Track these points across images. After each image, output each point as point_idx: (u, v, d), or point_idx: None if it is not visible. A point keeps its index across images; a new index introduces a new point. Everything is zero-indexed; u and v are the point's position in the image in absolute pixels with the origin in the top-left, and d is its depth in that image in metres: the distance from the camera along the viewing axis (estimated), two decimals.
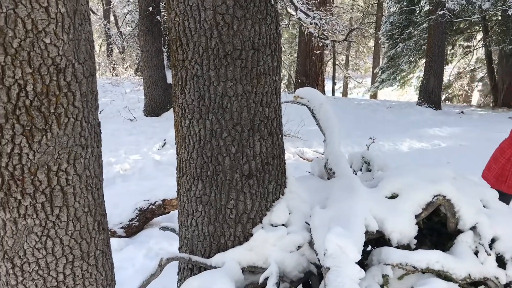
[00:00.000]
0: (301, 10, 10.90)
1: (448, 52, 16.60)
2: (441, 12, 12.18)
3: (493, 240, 2.55)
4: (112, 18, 23.25)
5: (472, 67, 19.16)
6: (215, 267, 2.38)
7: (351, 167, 3.29)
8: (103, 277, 1.94)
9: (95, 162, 1.81)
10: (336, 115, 3.24)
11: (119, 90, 13.77)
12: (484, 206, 2.69)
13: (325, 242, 2.06)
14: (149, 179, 6.29)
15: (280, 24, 2.48)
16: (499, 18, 14.97)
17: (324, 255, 2.06)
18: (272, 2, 2.32)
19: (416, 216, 2.52)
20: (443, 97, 17.05)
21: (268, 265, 2.37)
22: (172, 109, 9.94)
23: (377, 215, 2.47)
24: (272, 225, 2.48)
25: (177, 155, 2.55)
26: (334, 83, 22.39)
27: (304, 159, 7.17)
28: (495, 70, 15.67)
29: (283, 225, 2.50)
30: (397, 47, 16.44)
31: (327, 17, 11.57)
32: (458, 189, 2.56)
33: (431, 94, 13.29)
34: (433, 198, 2.53)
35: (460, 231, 2.58)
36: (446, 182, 2.55)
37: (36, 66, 1.53)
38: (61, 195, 1.69)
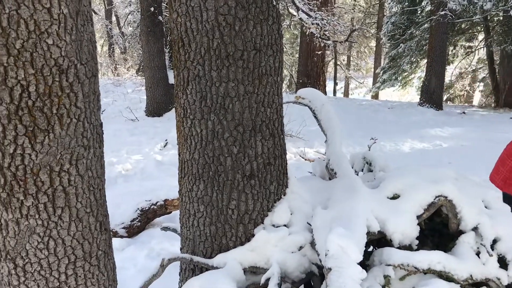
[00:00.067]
0: (302, 11, 10.90)
1: (450, 53, 16.58)
2: (442, 13, 12.17)
3: (494, 241, 2.55)
4: (114, 18, 23.26)
5: (474, 68, 19.13)
6: (216, 268, 2.38)
7: (352, 167, 3.29)
8: (105, 278, 1.95)
9: (97, 163, 1.82)
10: (337, 116, 3.24)
11: (121, 90, 13.79)
12: (485, 207, 2.69)
13: (327, 243, 2.06)
14: (151, 179, 6.30)
15: (281, 25, 2.48)
16: (501, 18, 14.95)
17: (325, 255, 2.06)
18: (274, 3, 2.32)
19: (418, 217, 2.52)
20: (444, 98, 17.02)
21: (269, 265, 2.37)
22: (173, 109, 9.95)
23: (378, 215, 2.47)
24: (273, 225, 2.48)
25: (179, 155, 2.55)
26: (335, 84, 22.38)
27: (305, 159, 7.17)
28: (497, 71, 15.64)
29: (285, 225, 2.50)
30: (399, 47, 16.43)
31: (329, 18, 11.57)
32: (460, 190, 2.56)
33: (433, 95, 13.28)
34: (434, 199, 2.53)
35: (461, 232, 2.58)
36: (448, 183, 2.55)
37: (39, 67, 1.53)
38: (63, 196, 1.70)
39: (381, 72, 18.31)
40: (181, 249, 2.72)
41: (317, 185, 2.92)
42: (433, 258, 2.39)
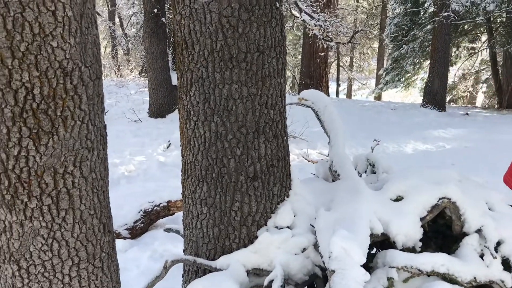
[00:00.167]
0: (305, 12, 10.91)
1: (453, 54, 16.55)
2: (445, 14, 12.15)
3: (498, 243, 2.54)
4: (117, 19, 23.32)
5: (477, 69, 19.09)
6: (220, 270, 2.38)
7: (355, 169, 3.28)
8: (109, 279, 1.95)
9: (101, 165, 1.82)
10: (340, 117, 3.23)
11: (124, 92, 13.81)
12: (489, 209, 2.68)
13: (330, 245, 2.06)
14: (154, 181, 6.31)
15: (285, 27, 2.48)
16: (504, 19, 14.93)
17: (329, 257, 2.06)
18: (277, 5, 2.33)
19: (421, 219, 2.52)
20: (447, 99, 16.98)
21: (273, 267, 2.37)
22: (176, 110, 9.97)
23: (382, 217, 2.46)
24: (277, 227, 2.48)
25: (182, 157, 2.56)
26: (338, 85, 22.37)
27: (308, 160, 7.17)
28: (500, 72, 15.61)
29: (288, 227, 2.50)
30: (402, 48, 16.41)
31: (332, 19, 11.57)
32: (464, 192, 2.56)
33: (436, 96, 13.25)
34: (438, 201, 2.53)
35: (465, 234, 2.57)
36: (451, 185, 2.55)
37: (43, 70, 1.54)
38: (67, 198, 1.70)
39: (384, 73, 18.30)
40: (184, 250, 2.72)
41: (320, 187, 2.92)
42: (437, 260, 2.38)
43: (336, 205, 2.58)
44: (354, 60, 26.32)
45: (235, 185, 2.39)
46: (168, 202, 4.82)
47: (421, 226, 2.51)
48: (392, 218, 2.46)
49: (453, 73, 18.55)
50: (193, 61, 2.29)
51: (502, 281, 2.45)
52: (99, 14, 21.61)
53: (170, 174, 6.52)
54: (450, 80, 16.67)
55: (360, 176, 3.20)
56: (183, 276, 2.75)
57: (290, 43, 22.97)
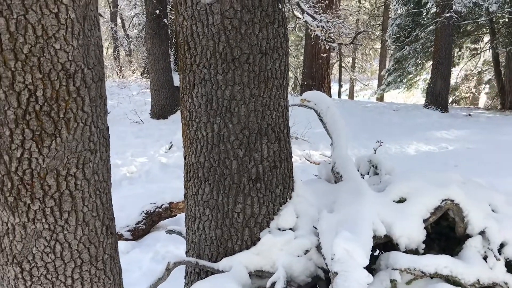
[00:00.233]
0: (307, 13, 10.91)
1: (455, 55, 16.52)
2: (448, 15, 12.13)
3: (502, 245, 2.53)
4: (119, 20, 23.36)
5: (479, 70, 19.05)
6: (222, 271, 2.38)
7: (358, 170, 3.28)
8: (111, 281, 1.95)
9: (103, 167, 1.82)
10: (342, 118, 3.23)
11: (126, 93, 13.82)
12: (492, 211, 2.67)
13: (333, 247, 2.06)
14: (156, 182, 6.31)
15: (287, 28, 2.48)
16: (506, 20, 14.89)
17: (331, 259, 2.05)
18: (280, 6, 2.32)
19: (424, 221, 2.51)
20: (450, 100, 16.95)
21: (275, 269, 2.36)
22: (178, 111, 9.98)
23: (385, 219, 2.46)
24: (279, 229, 2.48)
25: (185, 158, 2.55)
26: (340, 86, 22.35)
27: (311, 162, 7.16)
28: (503, 73, 15.57)
29: (291, 229, 2.50)
30: (404, 49, 16.39)
31: (334, 20, 11.56)
32: (467, 194, 2.55)
33: (438, 97, 13.23)
34: (441, 203, 2.52)
35: (468, 236, 2.56)
36: (455, 186, 2.54)
37: (46, 72, 1.53)
38: (70, 200, 1.70)
39: (386, 74, 18.28)
40: (186, 252, 2.72)
41: (322, 188, 2.92)
42: (440, 262, 2.38)
43: (339, 207, 2.58)
44: (356, 61, 26.32)
45: (237, 186, 2.38)
46: (170, 203, 4.81)
47: (424, 228, 2.50)
48: (395, 220, 2.46)
49: (456, 74, 18.52)
50: (196, 62, 2.29)
51: (506, 283, 2.44)
52: (101, 15, 21.66)
53: (172, 175, 6.52)
54: (452, 81, 16.64)
55: (363, 178, 3.19)
56: (185, 278, 2.75)
57: (292, 44, 22.97)
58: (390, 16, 20.01)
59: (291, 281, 2.41)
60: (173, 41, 11.83)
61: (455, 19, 12.28)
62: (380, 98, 21.86)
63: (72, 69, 1.59)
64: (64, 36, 1.55)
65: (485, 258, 2.50)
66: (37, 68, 1.52)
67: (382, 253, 2.59)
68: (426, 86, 14.61)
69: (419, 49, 16.15)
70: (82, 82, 1.64)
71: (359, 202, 2.52)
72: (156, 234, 4.69)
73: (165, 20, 10.38)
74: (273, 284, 2.27)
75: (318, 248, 2.41)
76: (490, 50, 15.77)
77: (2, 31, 1.46)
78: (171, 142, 8.22)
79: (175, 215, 4.90)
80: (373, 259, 2.49)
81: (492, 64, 16.43)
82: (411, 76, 17.83)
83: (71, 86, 1.60)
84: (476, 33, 16.47)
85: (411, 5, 15.79)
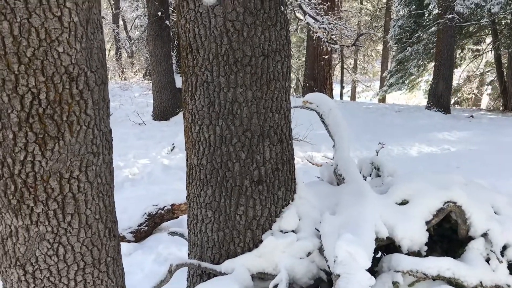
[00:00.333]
0: (309, 15, 10.90)
1: (457, 56, 16.49)
2: (450, 16, 12.12)
3: (504, 247, 2.53)
4: (121, 22, 23.39)
5: (482, 71, 19.01)
6: (224, 274, 2.38)
7: (360, 172, 3.28)
8: (114, 284, 1.95)
9: (106, 169, 1.83)
10: (345, 120, 3.23)
11: (128, 94, 13.84)
12: (495, 213, 2.67)
13: (335, 249, 2.06)
14: (158, 184, 6.31)
15: (289, 30, 2.48)
16: (509, 21, 14.88)
17: (334, 261, 2.05)
18: (282, 9, 2.33)
19: (427, 223, 2.51)
20: (452, 101, 16.90)
21: (277, 271, 2.36)
22: (180, 113, 9.98)
23: (387, 221, 2.46)
24: (281, 231, 2.48)
25: (187, 160, 2.56)
26: (342, 87, 22.33)
27: (313, 163, 7.16)
28: (505, 74, 15.53)
29: (293, 231, 2.50)
30: (406, 50, 16.36)
31: (336, 22, 11.56)
32: (469, 196, 2.55)
33: (440, 98, 13.20)
34: (443, 205, 2.52)
35: (471, 238, 2.56)
36: (457, 188, 2.54)
37: (49, 75, 1.54)
38: (73, 202, 1.70)
39: (388, 75, 18.25)
40: (188, 254, 2.72)
41: (325, 190, 2.92)
42: (443, 265, 2.37)
43: (341, 209, 2.58)
44: (358, 62, 26.29)
45: (239, 189, 2.39)
46: (173, 205, 4.82)
47: (427, 230, 2.50)
48: (398, 222, 2.45)
49: (458, 75, 18.48)
50: (198, 65, 2.29)
51: (508, 286, 2.44)
52: (103, 17, 21.68)
53: (174, 177, 6.52)
54: (454, 82, 16.62)
55: (365, 180, 3.19)
56: (187, 280, 2.75)
57: (294, 46, 22.98)
58: (392, 17, 19.98)
59: (293, 283, 2.41)
60: (175, 43, 11.85)
61: (457, 20, 12.26)
62: (382, 100, 21.84)
63: (75, 72, 1.60)
64: (67, 40, 1.56)
65: (487, 260, 2.50)
66: (40, 71, 1.53)
67: (384, 255, 2.59)
68: (428, 88, 14.57)
69: (421, 51, 16.13)
70: (85, 85, 1.64)
71: (361, 204, 2.52)
72: (158, 236, 4.69)
73: (167, 22, 10.40)
74: (276, 286, 2.27)
75: (321, 250, 2.41)
76: (492, 51, 15.75)
77: (6, 35, 1.46)
78: (173, 144, 8.23)
79: (177, 217, 4.90)
80: (376, 261, 2.49)
81: (494, 65, 16.40)
82: (413, 77, 17.80)
83: (74, 89, 1.61)
84: (478, 34, 16.45)
85: (413, 7, 15.78)
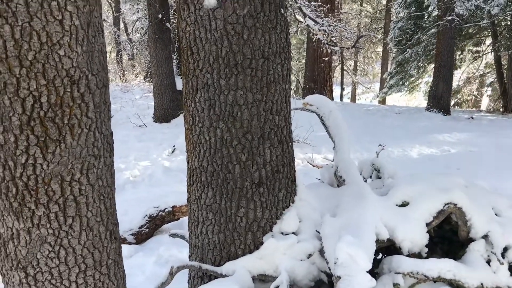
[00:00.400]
0: (309, 17, 10.92)
1: (457, 57, 16.50)
2: (449, 18, 12.13)
3: (505, 249, 2.53)
4: (121, 25, 23.43)
5: (482, 72, 19.02)
6: (225, 276, 2.38)
7: (361, 174, 3.28)
8: (115, 286, 1.95)
9: (107, 172, 1.83)
10: (345, 122, 3.24)
11: (129, 97, 13.85)
12: (496, 214, 2.67)
13: (336, 251, 2.06)
14: (159, 186, 6.31)
15: (289, 33, 2.49)
16: (508, 23, 14.89)
17: (334, 263, 2.06)
18: (282, 12, 2.34)
19: (427, 224, 2.51)
20: (452, 103, 16.91)
21: (278, 273, 2.37)
22: (181, 115, 9.99)
23: (387, 223, 2.46)
24: (282, 233, 2.48)
25: (188, 163, 2.56)
26: (342, 89, 22.35)
27: (313, 165, 7.16)
28: (505, 75, 15.54)
29: (294, 233, 2.50)
30: (406, 52, 16.38)
31: (335, 24, 11.57)
32: (470, 197, 2.55)
33: (440, 100, 13.21)
34: (444, 206, 2.52)
35: (471, 240, 2.56)
36: (457, 190, 2.54)
37: (51, 78, 1.55)
38: (74, 205, 1.71)
39: (388, 77, 18.27)
40: (189, 256, 2.72)
41: (325, 192, 2.92)
42: (443, 266, 2.38)
43: (342, 211, 2.58)
44: (358, 64, 26.32)
45: (240, 191, 2.39)
46: (173, 207, 4.82)
47: (427, 232, 2.51)
48: (398, 224, 2.46)
49: (458, 76, 18.50)
50: (199, 67, 2.30)
51: (509, 287, 2.44)
52: (103, 20, 21.69)
53: (175, 179, 6.52)
54: (454, 84, 16.62)
55: (366, 181, 3.20)
56: (188, 282, 2.75)
57: (294, 48, 23.00)
58: (392, 19, 20.00)
59: (294, 285, 2.41)
60: (176, 45, 11.86)
61: (457, 22, 12.27)
62: (382, 101, 21.84)
63: (76, 76, 1.61)
64: (68, 43, 1.57)
65: (488, 262, 2.50)
66: (42, 75, 1.53)
67: (385, 257, 2.60)
68: (428, 89, 14.58)
69: (421, 52, 16.15)
70: (86, 88, 1.65)
71: (362, 206, 2.52)
72: (159, 237, 4.69)
73: (167, 24, 10.42)
74: None
75: (321, 252, 2.41)
76: (492, 52, 15.76)
77: (7, 38, 1.47)
78: (174, 146, 8.23)
79: (178, 219, 4.91)
80: (376, 263, 2.49)
81: (494, 66, 16.42)
82: (413, 79, 17.81)
83: (76, 92, 1.62)
84: (478, 35, 16.46)
85: (413, 8, 15.80)
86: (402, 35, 16.29)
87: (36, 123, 1.56)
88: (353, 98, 25.79)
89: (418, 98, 22.15)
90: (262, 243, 2.45)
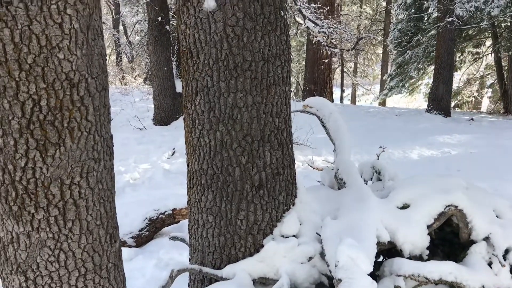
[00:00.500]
0: (309, 19, 10.93)
1: (457, 59, 16.51)
2: (449, 19, 12.14)
3: (507, 251, 2.53)
4: (121, 27, 23.44)
5: (482, 74, 19.03)
6: (226, 279, 2.37)
7: (361, 176, 3.27)
8: None
9: (107, 175, 1.83)
10: (345, 124, 3.23)
11: (129, 99, 13.86)
12: (497, 216, 2.67)
13: (337, 254, 2.06)
14: (159, 188, 6.31)
15: (289, 35, 2.49)
16: (508, 24, 14.90)
17: (335, 266, 2.05)
18: (282, 14, 2.33)
19: (428, 227, 2.50)
20: (452, 104, 16.92)
21: (279, 276, 2.36)
22: (181, 118, 9.99)
23: (388, 225, 2.45)
24: (283, 236, 2.47)
25: (188, 165, 2.56)
26: (342, 91, 22.36)
27: (313, 168, 7.15)
28: (505, 77, 15.55)
29: (294, 236, 2.50)
30: (406, 54, 16.40)
31: (335, 26, 11.58)
32: (471, 199, 2.54)
33: (441, 101, 13.21)
34: (445, 208, 2.52)
35: (473, 242, 2.56)
36: (458, 192, 2.54)
37: (50, 81, 1.54)
38: (74, 209, 1.70)
39: (388, 79, 18.28)
40: (190, 259, 2.72)
41: (326, 195, 2.92)
42: (445, 269, 2.37)
43: (342, 213, 2.57)
44: (358, 66, 26.34)
45: (240, 193, 2.39)
46: (173, 210, 4.81)
47: (428, 234, 2.50)
48: (399, 226, 2.45)
49: (458, 78, 18.49)
50: (198, 70, 2.30)
51: None
52: (103, 22, 21.72)
53: (175, 182, 6.52)
54: (454, 85, 16.62)
55: (366, 184, 3.19)
56: (189, 285, 2.74)
57: (294, 49, 23.02)
58: (391, 21, 20.01)
59: None
60: (175, 47, 11.87)
61: (457, 23, 12.28)
62: (383, 103, 21.85)
63: (76, 79, 1.60)
64: (68, 46, 1.56)
65: (489, 264, 2.49)
66: (41, 78, 1.53)
67: (386, 259, 2.59)
68: (428, 91, 14.59)
69: (421, 54, 16.16)
70: (86, 91, 1.64)
71: (362, 208, 2.51)
72: (159, 240, 4.69)
73: (167, 26, 10.43)
74: None
75: (322, 255, 2.40)
76: (492, 54, 15.78)
77: (7, 42, 1.47)
78: (173, 149, 8.23)
79: (178, 222, 4.90)
80: (377, 265, 2.49)
81: (495, 68, 16.43)
82: (413, 80, 17.82)
83: (75, 95, 1.61)
84: (478, 37, 16.46)
85: (413, 10, 15.82)
86: (402, 37, 16.30)
87: (36, 127, 1.56)
88: (353, 100, 25.80)
89: (418, 100, 22.15)
90: (262, 246, 2.44)
